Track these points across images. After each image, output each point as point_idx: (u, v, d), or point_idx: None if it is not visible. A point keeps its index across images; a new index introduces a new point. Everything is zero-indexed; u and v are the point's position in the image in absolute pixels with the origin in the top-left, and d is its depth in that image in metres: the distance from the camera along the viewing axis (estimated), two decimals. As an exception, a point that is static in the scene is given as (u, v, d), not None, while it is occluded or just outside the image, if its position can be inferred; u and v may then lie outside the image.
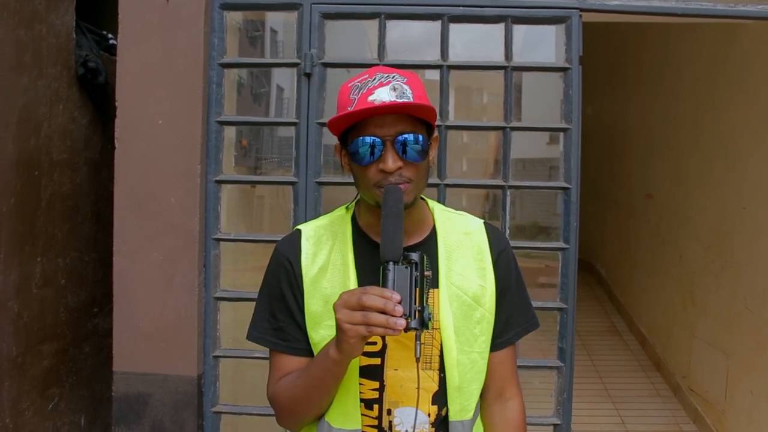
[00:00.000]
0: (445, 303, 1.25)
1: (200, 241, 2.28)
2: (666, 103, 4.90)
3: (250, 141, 2.71)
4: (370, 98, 1.16)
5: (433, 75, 2.34)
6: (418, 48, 2.48)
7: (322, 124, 2.33)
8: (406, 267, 1.08)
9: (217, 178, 2.33)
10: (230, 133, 2.45)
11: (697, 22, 2.70)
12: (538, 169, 3.12)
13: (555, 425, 2.31)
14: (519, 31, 2.33)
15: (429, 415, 1.26)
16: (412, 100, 1.16)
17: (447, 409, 1.27)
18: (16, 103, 2.24)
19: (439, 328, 1.24)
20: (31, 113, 2.32)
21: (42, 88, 2.37)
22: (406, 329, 1.04)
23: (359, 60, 2.35)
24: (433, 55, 2.34)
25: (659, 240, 4.94)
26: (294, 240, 1.31)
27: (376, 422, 1.25)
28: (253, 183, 2.73)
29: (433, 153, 1.27)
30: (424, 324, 1.07)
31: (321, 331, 1.25)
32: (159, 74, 2.25)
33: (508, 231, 2.28)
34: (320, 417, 1.27)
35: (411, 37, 2.47)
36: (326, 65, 2.33)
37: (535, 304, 1.48)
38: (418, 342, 1.07)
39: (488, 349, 1.30)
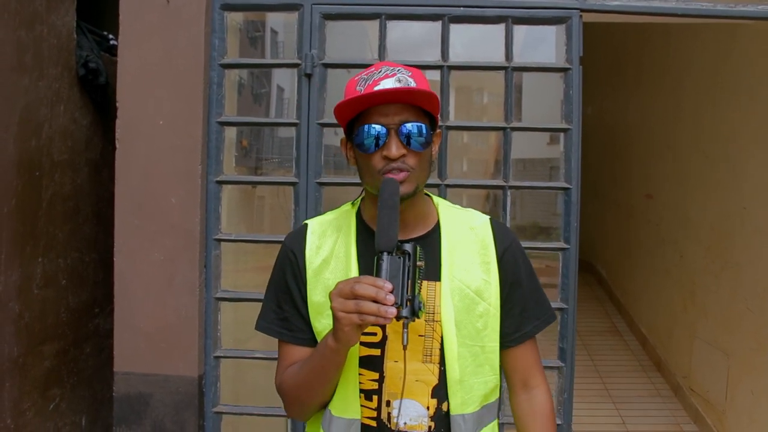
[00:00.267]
0: (446, 296, 1.25)
1: (201, 242, 2.28)
2: (666, 104, 4.90)
3: (251, 141, 2.71)
4: (376, 88, 1.19)
5: (434, 75, 2.34)
6: (418, 48, 2.48)
7: (323, 125, 2.33)
8: (399, 257, 1.10)
9: (218, 179, 2.33)
10: (231, 133, 2.45)
11: (698, 23, 2.70)
12: (538, 170, 3.12)
13: (556, 425, 2.31)
14: (519, 31, 2.34)
15: (428, 408, 1.26)
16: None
17: (448, 403, 1.27)
18: (17, 103, 2.24)
19: (440, 321, 1.25)
20: (32, 114, 2.33)
21: (43, 89, 2.38)
22: (397, 318, 1.06)
23: (360, 60, 2.35)
24: (433, 56, 2.34)
25: (660, 240, 4.94)
26: (300, 233, 1.35)
27: (375, 413, 1.26)
28: (254, 183, 2.73)
29: (435, 148, 1.30)
30: (414, 313, 1.09)
31: (323, 321, 1.27)
32: (159, 75, 2.25)
33: (508, 231, 2.27)
34: (325, 406, 1.29)
35: (411, 38, 2.48)
36: (327, 66, 2.34)
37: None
38: (405, 330, 1.10)
39: (493, 344, 1.30)
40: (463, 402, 1.26)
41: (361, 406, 1.27)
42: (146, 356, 2.26)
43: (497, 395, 1.34)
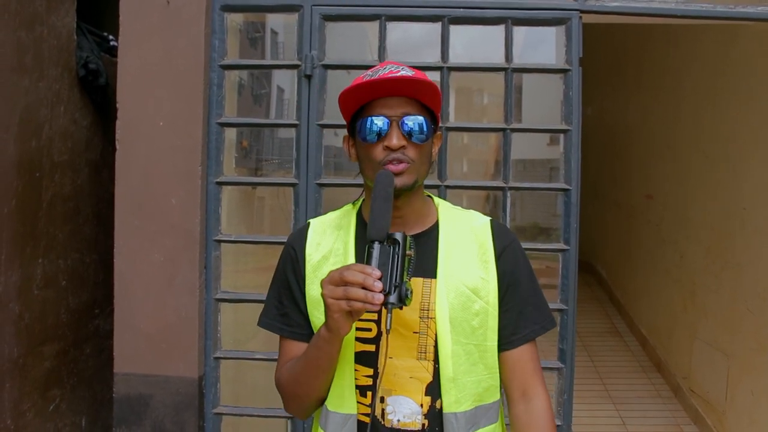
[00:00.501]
0: (441, 293, 1.26)
1: (201, 243, 2.28)
2: (666, 104, 4.90)
3: (251, 142, 2.71)
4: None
5: (434, 76, 2.34)
6: (418, 49, 2.48)
7: (323, 126, 2.34)
8: (389, 246, 1.12)
9: (218, 180, 2.33)
10: (231, 134, 2.45)
11: (698, 24, 2.70)
12: (538, 170, 3.12)
13: (556, 426, 2.31)
14: (519, 32, 2.34)
15: (421, 405, 1.26)
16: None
17: (441, 401, 1.26)
18: (17, 104, 2.24)
19: (435, 318, 1.25)
20: (32, 115, 2.33)
21: (43, 90, 2.38)
22: (384, 304, 1.08)
23: (360, 62, 2.35)
24: (433, 57, 2.34)
25: (660, 241, 4.94)
26: (302, 231, 1.38)
27: (369, 410, 1.27)
28: (254, 184, 2.73)
29: (435, 149, 1.33)
30: (401, 300, 1.11)
31: (320, 316, 1.28)
32: (160, 76, 2.26)
33: (508, 232, 2.27)
34: (323, 403, 1.31)
35: (411, 39, 2.48)
36: (327, 67, 2.34)
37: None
38: (389, 315, 1.10)
39: (491, 342, 1.30)
40: (456, 400, 1.25)
41: (357, 402, 1.27)
42: (146, 357, 2.26)
43: (495, 397, 1.32)
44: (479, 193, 2.58)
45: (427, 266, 1.27)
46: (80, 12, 2.58)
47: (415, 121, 1.24)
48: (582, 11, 2.30)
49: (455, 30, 2.34)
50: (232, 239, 2.37)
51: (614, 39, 6.07)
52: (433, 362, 1.26)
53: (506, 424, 1.39)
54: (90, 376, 2.76)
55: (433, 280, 1.27)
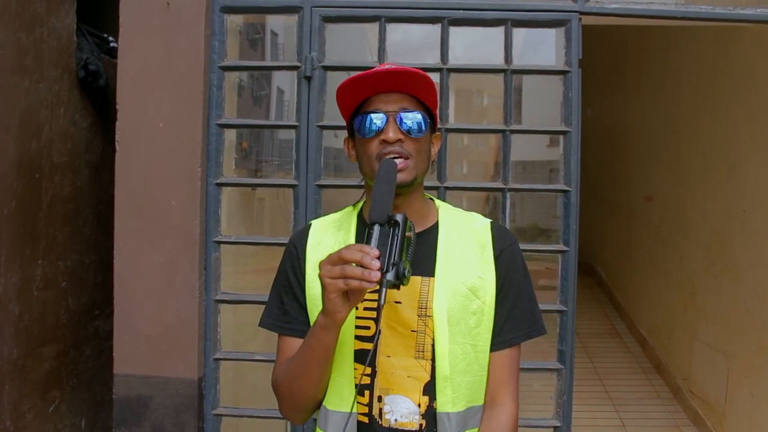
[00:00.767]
0: (440, 292, 1.26)
1: (201, 244, 2.28)
2: (666, 106, 4.90)
3: (251, 144, 2.71)
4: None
5: (434, 78, 2.30)
6: (418, 51, 2.48)
7: (323, 127, 2.34)
8: (389, 228, 1.13)
9: (218, 181, 2.33)
10: (231, 135, 2.45)
11: (697, 25, 2.71)
12: (538, 171, 3.12)
13: (555, 428, 2.31)
14: (519, 34, 2.34)
15: (419, 405, 1.26)
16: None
17: (436, 400, 1.26)
18: (17, 106, 2.24)
19: (433, 317, 1.25)
20: (32, 116, 2.33)
21: (43, 91, 2.38)
22: (380, 283, 1.07)
23: (359, 63, 2.35)
24: (433, 58, 2.34)
25: (660, 242, 4.94)
26: (304, 231, 1.40)
27: (367, 409, 1.26)
28: (254, 186, 2.74)
29: (434, 150, 1.35)
30: (398, 277, 1.10)
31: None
32: (159, 77, 2.26)
33: (508, 233, 2.27)
34: (319, 406, 1.30)
35: (411, 40, 2.48)
36: (326, 68, 2.34)
37: (535, 307, 1.47)
38: (384, 289, 1.09)
39: (485, 343, 1.29)
40: (451, 399, 1.25)
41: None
42: (146, 358, 2.26)
43: (483, 400, 1.31)
44: (479, 194, 2.59)
45: (426, 265, 1.27)
46: (80, 13, 2.58)
47: (411, 116, 1.25)
48: (581, 13, 2.30)
49: (455, 31, 2.34)
50: (232, 240, 2.37)
51: (614, 40, 6.08)
52: (430, 361, 1.26)
53: None
54: (90, 378, 2.76)
55: (431, 278, 1.27)
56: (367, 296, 1.26)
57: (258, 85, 2.72)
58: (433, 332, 1.25)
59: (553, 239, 2.38)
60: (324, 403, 1.29)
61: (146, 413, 2.27)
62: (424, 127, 1.27)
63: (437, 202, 1.40)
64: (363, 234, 1.29)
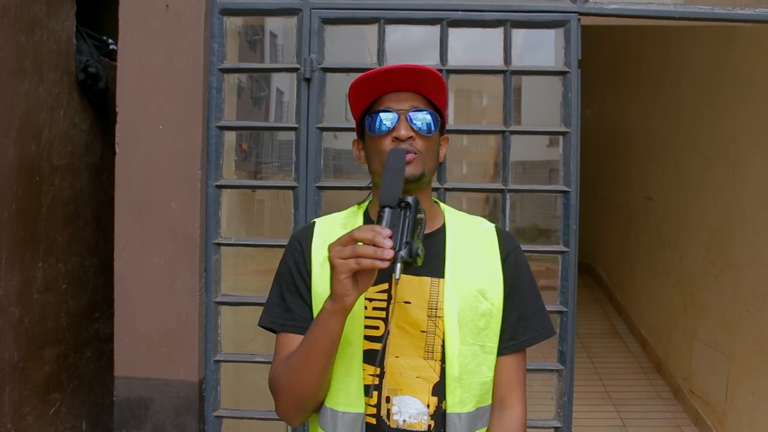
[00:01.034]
0: (449, 293, 1.26)
1: (201, 246, 2.28)
2: (666, 106, 4.91)
3: (250, 145, 2.72)
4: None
5: (433, 79, 2.34)
6: (417, 52, 2.49)
7: (322, 129, 2.34)
8: (400, 210, 1.12)
9: (218, 183, 2.33)
10: (230, 137, 2.46)
11: (696, 26, 2.71)
12: (538, 172, 3.12)
13: (556, 428, 2.31)
14: (518, 35, 2.34)
15: (428, 406, 1.26)
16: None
17: (446, 401, 1.26)
18: (17, 108, 2.24)
19: (443, 317, 1.25)
20: (32, 119, 2.33)
21: (43, 94, 2.38)
22: (393, 260, 1.05)
23: (359, 65, 2.35)
24: (432, 60, 2.34)
25: (660, 242, 4.95)
26: (308, 229, 1.38)
27: (375, 410, 1.26)
28: (254, 187, 2.73)
29: (443, 151, 1.38)
30: (411, 255, 1.08)
31: None
32: (159, 79, 2.26)
33: (508, 234, 2.27)
34: (317, 409, 1.28)
35: (410, 42, 2.48)
36: (326, 70, 2.34)
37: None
38: (398, 264, 1.06)
39: (493, 344, 1.30)
40: (460, 400, 1.25)
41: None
42: (147, 360, 2.26)
43: (491, 400, 1.32)
44: (479, 195, 2.59)
45: (435, 266, 1.28)
46: (80, 16, 2.59)
47: (422, 115, 1.27)
48: (581, 13, 2.30)
49: (454, 33, 2.34)
50: (232, 242, 2.37)
51: (613, 41, 6.08)
52: (440, 362, 1.26)
53: None
54: (90, 380, 2.76)
55: (441, 279, 1.27)
56: (376, 296, 1.26)
57: (257, 87, 2.73)
58: (443, 333, 1.26)
59: (553, 240, 2.38)
60: (328, 404, 1.27)
61: (147, 415, 2.27)
62: (433, 127, 1.29)
63: (442, 205, 1.42)
64: None
